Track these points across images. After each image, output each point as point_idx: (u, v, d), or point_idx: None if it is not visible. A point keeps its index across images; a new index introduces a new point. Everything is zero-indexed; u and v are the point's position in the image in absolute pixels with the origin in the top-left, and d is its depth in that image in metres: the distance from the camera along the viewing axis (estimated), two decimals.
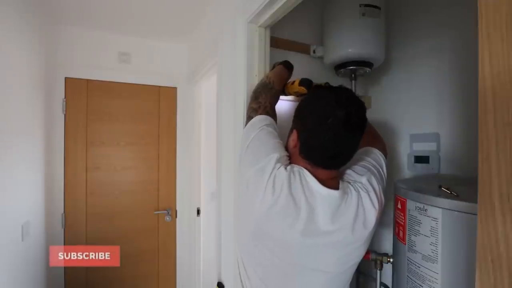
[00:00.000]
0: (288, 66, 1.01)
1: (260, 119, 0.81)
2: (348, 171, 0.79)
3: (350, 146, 0.70)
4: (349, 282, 0.80)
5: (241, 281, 0.80)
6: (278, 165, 0.70)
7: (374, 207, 0.73)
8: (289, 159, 0.76)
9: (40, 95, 1.61)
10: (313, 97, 0.75)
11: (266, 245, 0.70)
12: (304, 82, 0.97)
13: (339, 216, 0.69)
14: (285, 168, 0.70)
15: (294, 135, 0.75)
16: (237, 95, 1.12)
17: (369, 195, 0.74)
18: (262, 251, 0.72)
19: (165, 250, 2.13)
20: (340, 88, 0.73)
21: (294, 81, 1.01)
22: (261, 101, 0.87)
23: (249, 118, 0.84)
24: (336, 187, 0.70)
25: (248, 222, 0.73)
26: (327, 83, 1.32)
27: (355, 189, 0.73)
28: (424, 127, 1.15)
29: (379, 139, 1.00)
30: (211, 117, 1.96)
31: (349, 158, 0.73)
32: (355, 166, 0.81)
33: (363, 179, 0.77)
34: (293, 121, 0.77)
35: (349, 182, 0.75)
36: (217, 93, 1.38)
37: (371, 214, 0.72)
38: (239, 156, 0.80)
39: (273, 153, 0.72)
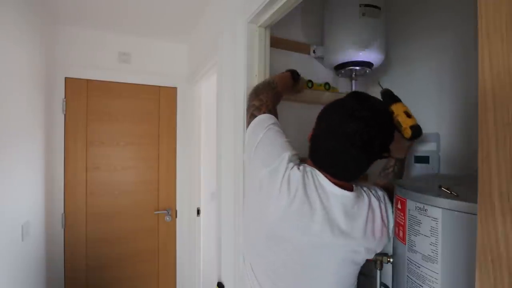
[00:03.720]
0: (294, 76, 1.01)
1: (265, 118, 0.80)
2: (365, 185, 0.80)
3: (355, 164, 0.68)
4: (354, 285, 0.80)
5: (251, 287, 0.78)
6: (291, 164, 0.70)
7: (383, 220, 0.75)
8: (299, 159, 0.75)
9: (40, 95, 1.61)
10: (336, 104, 0.72)
11: (281, 246, 0.70)
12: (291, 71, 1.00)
13: (353, 217, 0.69)
14: (298, 168, 0.69)
15: (310, 134, 0.75)
16: (237, 95, 1.12)
17: (379, 205, 0.75)
18: (275, 253, 0.71)
19: (165, 250, 2.13)
20: (367, 101, 0.67)
21: None
22: (263, 99, 0.86)
23: (252, 116, 0.83)
24: (350, 189, 0.71)
25: (261, 224, 0.72)
26: (327, 83, 1.31)
27: (367, 194, 0.74)
28: (424, 127, 1.15)
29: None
30: (211, 117, 1.96)
31: (354, 175, 0.72)
32: (374, 187, 0.81)
33: (380, 192, 0.78)
34: (316, 118, 0.76)
35: (362, 188, 0.76)
36: (217, 93, 1.38)
37: (378, 225, 0.73)
38: (247, 156, 0.78)
39: (284, 153, 0.71)
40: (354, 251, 0.72)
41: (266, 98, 0.86)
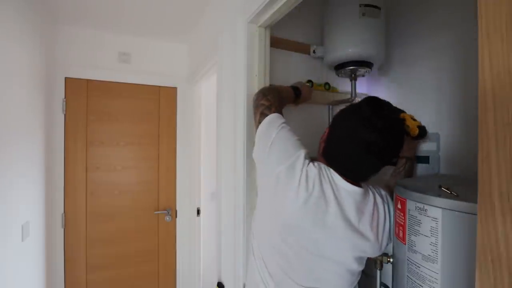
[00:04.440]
0: (296, 92, 1.05)
1: (276, 117, 0.83)
2: (370, 184, 0.85)
3: (369, 168, 0.74)
4: (358, 276, 0.84)
5: (261, 277, 0.80)
6: (307, 161, 0.74)
7: (385, 218, 0.80)
8: (310, 157, 0.79)
9: (40, 95, 1.61)
10: (353, 110, 0.75)
11: (295, 238, 0.73)
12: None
13: (361, 212, 0.75)
14: (314, 165, 0.74)
15: (325, 134, 0.80)
16: (237, 95, 1.12)
17: (383, 205, 0.80)
18: (289, 244, 0.74)
19: (165, 250, 2.13)
20: (383, 110, 0.71)
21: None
22: (271, 99, 0.89)
23: (262, 114, 0.85)
24: (359, 186, 0.76)
25: (277, 217, 0.75)
26: (325, 82, 1.32)
27: (372, 192, 0.80)
28: None
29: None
30: (211, 117, 1.96)
31: (365, 177, 0.77)
32: (377, 186, 0.87)
33: (383, 192, 0.83)
34: (332, 120, 0.81)
35: (368, 186, 0.81)
36: (217, 93, 1.38)
37: (381, 222, 0.79)
38: (261, 153, 0.81)
39: (300, 150, 0.76)
40: (361, 245, 0.76)
41: (274, 99, 0.89)
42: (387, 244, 0.81)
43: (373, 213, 0.77)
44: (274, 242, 0.77)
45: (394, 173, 0.99)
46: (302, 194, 0.70)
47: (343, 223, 0.72)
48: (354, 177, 0.76)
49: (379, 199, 0.80)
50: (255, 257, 0.83)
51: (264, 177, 0.80)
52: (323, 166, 0.76)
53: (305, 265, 0.75)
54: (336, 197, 0.72)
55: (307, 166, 0.73)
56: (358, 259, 0.78)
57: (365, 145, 0.68)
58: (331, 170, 0.75)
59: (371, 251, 0.78)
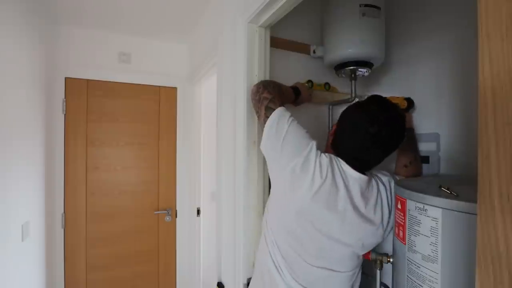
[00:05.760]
0: (296, 92, 1.08)
1: (284, 111, 0.87)
2: (373, 171, 0.91)
3: (374, 158, 0.82)
4: (359, 267, 0.90)
5: (273, 261, 0.84)
6: (318, 152, 0.81)
7: (388, 205, 0.86)
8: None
9: (40, 95, 1.61)
10: (359, 105, 0.84)
11: (310, 221, 0.79)
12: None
13: (367, 198, 0.82)
14: (325, 155, 0.81)
15: (333, 129, 0.88)
16: (237, 95, 1.12)
17: (386, 192, 0.87)
18: (304, 228, 0.80)
19: (165, 250, 2.13)
20: (386, 106, 0.80)
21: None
22: (272, 92, 0.91)
23: (268, 108, 0.87)
24: (364, 173, 0.83)
25: (293, 205, 0.80)
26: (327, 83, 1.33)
27: (375, 180, 0.87)
28: (424, 127, 1.15)
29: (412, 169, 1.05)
30: (211, 117, 1.96)
31: (369, 166, 0.85)
32: (382, 170, 0.94)
33: (384, 178, 0.90)
34: (340, 116, 0.89)
35: (372, 174, 0.89)
36: (217, 93, 1.38)
37: (385, 208, 0.85)
38: (273, 148, 0.84)
39: (311, 142, 0.82)
40: (367, 229, 0.82)
41: (274, 91, 0.92)
42: (391, 229, 0.87)
43: (376, 200, 0.84)
44: (289, 227, 0.82)
45: (404, 170, 1.05)
46: (317, 181, 0.77)
47: (351, 208, 0.79)
48: (360, 166, 0.82)
49: (381, 187, 0.87)
50: (268, 243, 0.87)
51: (278, 171, 0.84)
52: (332, 156, 0.83)
53: (317, 246, 0.81)
54: (344, 183, 0.79)
55: (320, 156, 0.80)
56: (363, 243, 0.84)
57: (371, 138, 0.76)
58: (340, 159, 0.82)
59: (377, 236, 0.85)
